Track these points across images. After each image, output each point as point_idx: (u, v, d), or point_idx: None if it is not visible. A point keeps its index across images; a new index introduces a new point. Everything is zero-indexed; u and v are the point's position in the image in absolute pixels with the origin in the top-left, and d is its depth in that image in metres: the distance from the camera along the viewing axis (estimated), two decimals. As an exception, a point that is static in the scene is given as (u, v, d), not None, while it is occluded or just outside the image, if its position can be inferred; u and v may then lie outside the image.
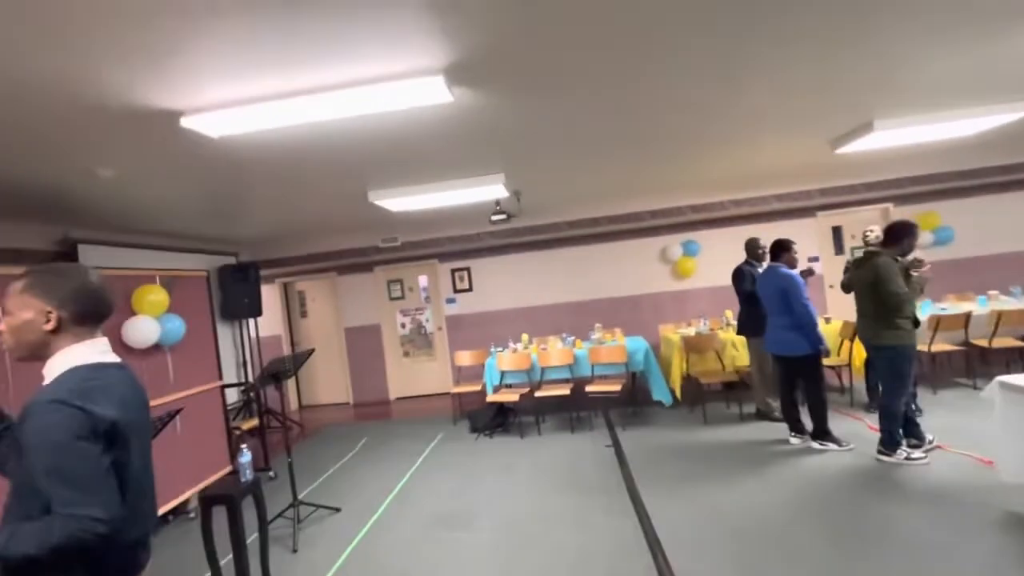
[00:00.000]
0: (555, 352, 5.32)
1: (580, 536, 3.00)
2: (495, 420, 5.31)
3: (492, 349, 5.77)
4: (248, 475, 2.69)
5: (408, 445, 5.19)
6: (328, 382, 7.72)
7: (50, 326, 1.21)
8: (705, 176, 5.48)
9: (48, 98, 2.03)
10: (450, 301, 7.51)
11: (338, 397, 7.77)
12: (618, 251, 7.06)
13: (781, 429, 4.18)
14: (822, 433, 3.82)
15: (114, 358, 1.31)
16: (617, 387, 4.92)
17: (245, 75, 2.02)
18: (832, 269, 6.79)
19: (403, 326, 7.72)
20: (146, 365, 3.70)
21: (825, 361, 4.08)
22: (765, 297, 4.09)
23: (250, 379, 6.10)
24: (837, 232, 7.03)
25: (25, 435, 1.13)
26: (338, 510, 3.73)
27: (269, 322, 7.32)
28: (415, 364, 7.69)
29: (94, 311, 1.28)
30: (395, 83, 2.14)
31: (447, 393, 7.45)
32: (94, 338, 1.29)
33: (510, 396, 5.16)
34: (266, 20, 1.65)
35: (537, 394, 5.16)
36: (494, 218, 5.15)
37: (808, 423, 3.91)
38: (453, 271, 7.46)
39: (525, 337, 5.97)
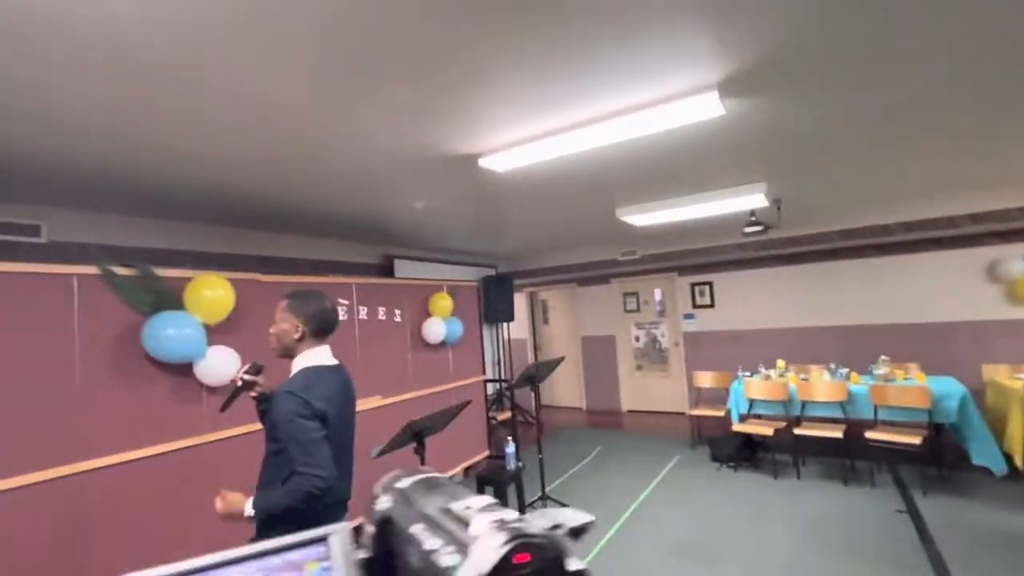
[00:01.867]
0: (821, 385, 4.54)
1: (865, 616, 2.48)
2: (741, 452, 4.82)
3: (739, 373, 5.27)
4: (512, 464, 3.07)
5: (643, 461, 5.13)
6: (565, 386, 8.20)
7: (297, 335, 1.71)
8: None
9: (384, 148, 2.64)
10: (688, 316, 7.15)
11: (573, 402, 8.20)
12: (916, 265, 5.62)
13: None
14: None
15: (333, 361, 1.79)
16: (916, 439, 3.91)
17: (530, 118, 2.32)
18: None
19: (637, 339, 7.69)
20: (435, 358, 4.57)
21: None
22: None
23: (503, 376, 6.93)
24: None
25: (273, 413, 1.60)
26: (579, 512, 3.92)
27: (517, 327, 8.20)
28: (648, 378, 7.57)
29: (325, 327, 1.77)
30: (668, 105, 2.16)
31: (681, 413, 7.13)
32: (321, 346, 1.76)
33: (762, 429, 4.61)
34: (545, 66, 1.87)
35: (797, 431, 4.48)
36: (747, 230, 4.70)
37: None
38: (693, 285, 7.09)
39: (781, 363, 5.25)
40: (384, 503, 0.65)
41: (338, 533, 0.58)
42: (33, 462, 2.19)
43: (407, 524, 0.60)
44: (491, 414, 6.12)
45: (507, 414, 6.14)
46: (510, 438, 3.17)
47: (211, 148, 2.44)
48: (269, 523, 1.54)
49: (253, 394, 1.85)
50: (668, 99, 2.15)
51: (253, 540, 1.55)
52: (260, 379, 1.83)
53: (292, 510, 1.50)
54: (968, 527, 3.28)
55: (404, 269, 5.55)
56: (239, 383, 1.81)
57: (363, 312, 3.90)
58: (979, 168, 3.94)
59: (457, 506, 0.59)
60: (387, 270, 5.50)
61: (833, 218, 5.45)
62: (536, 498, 3.87)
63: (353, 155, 2.69)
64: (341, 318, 3.69)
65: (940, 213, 4.99)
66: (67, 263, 2.47)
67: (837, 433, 4.29)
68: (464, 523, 0.56)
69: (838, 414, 4.43)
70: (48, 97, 1.84)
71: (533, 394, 3.90)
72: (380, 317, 4.06)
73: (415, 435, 2.42)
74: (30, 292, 2.21)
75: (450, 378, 4.72)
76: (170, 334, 2.52)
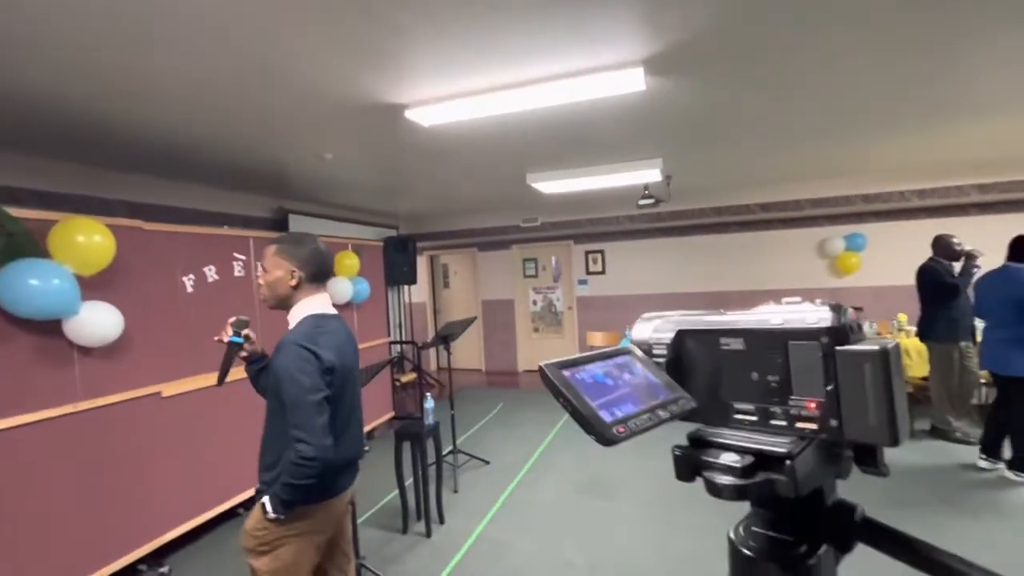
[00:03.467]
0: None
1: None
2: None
3: (627, 332, 5.83)
4: (430, 419, 3.14)
5: (542, 415, 5.52)
6: (465, 349, 8.35)
7: (293, 282, 1.55)
8: (883, 163, 4.92)
9: (293, 86, 2.38)
10: (582, 282, 7.67)
11: (472, 363, 8.42)
12: (768, 241, 6.62)
13: (962, 452, 3.73)
14: (1022, 463, 3.34)
15: (333, 310, 1.64)
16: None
17: (468, 72, 2.31)
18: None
19: (535, 303, 8.07)
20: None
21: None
22: (987, 302, 3.53)
23: (402, 339, 6.87)
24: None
25: (276, 366, 1.47)
26: (487, 463, 4.15)
27: (417, 291, 8.11)
28: (544, 340, 8.03)
29: (323, 271, 1.62)
30: (597, 75, 2.29)
31: (573, 371, 7.72)
32: (321, 293, 1.61)
33: (645, 380, 5.20)
34: (478, 22, 1.88)
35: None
36: (641, 203, 5.15)
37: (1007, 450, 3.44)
38: (587, 253, 7.58)
39: (662, 323, 5.92)
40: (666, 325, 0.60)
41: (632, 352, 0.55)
42: None
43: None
44: (395, 376, 6.08)
45: (410, 376, 6.14)
46: (429, 395, 3.22)
47: (81, 60, 2.06)
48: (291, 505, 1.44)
49: (243, 354, 1.67)
50: (597, 69, 2.28)
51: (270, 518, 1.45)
52: (251, 335, 1.66)
53: (310, 486, 1.40)
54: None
55: (299, 224, 5.17)
56: (225, 343, 1.62)
57: (260, 268, 3.60)
58: (819, 161, 4.74)
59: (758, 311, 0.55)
60: (280, 224, 5.09)
61: (709, 195, 6.19)
62: (448, 451, 4.00)
63: (269, 92, 2.45)
64: (237, 275, 3.41)
65: (789, 196, 5.92)
66: None
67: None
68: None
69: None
70: None
71: (447, 354, 3.97)
72: (281, 275, 3.78)
73: (339, 392, 2.37)
74: None
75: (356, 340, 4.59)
76: (33, 285, 2.13)
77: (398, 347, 6.58)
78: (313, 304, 1.58)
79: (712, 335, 0.57)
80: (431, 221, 7.53)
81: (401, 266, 6.56)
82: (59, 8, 1.64)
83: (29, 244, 2.22)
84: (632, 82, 2.35)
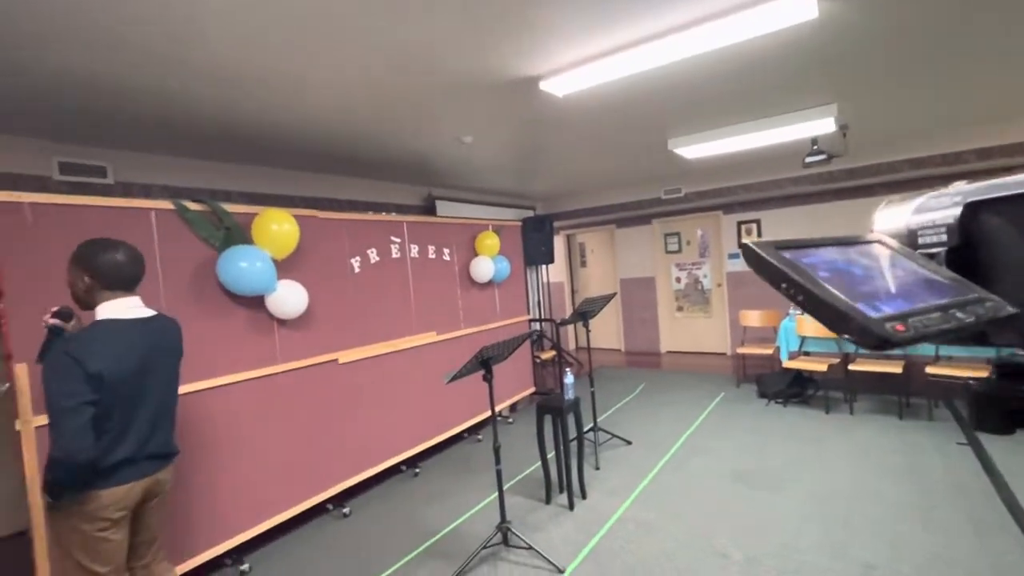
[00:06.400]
0: (880, 321, 4.41)
1: (932, 536, 2.50)
2: (791, 388, 4.81)
3: (790, 311, 5.16)
4: (571, 394, 3.13)
5: (688, 397, 5.19)
6: (602, 328, 8.22)
7: (83, 288, 1.64)
8: None
9: (432, 70, 2.49)
10: (734, 256, 6.97)
11: (610, 343, 8.25)
12: (987, 197, 5.26)
13: None
14: None
15: (141, 313, 1.71)
16: (983, 372, 3.79)
17: (602, 30, 2.18)
18: None
19: (678, 280, 7.58)
20: (483, 297, 4.62)
21: None
22: None
23: (541, 318, 6.99)
24: None
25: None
26: (629, 443, 4.03)
27: (554, 271, 8.17)
28: (689, 319, 7.52)
29: (118, 279, 1.67)
30: (752, 10, 1.99)
31: (722, 353, 7.12)
32: (121, 299, 1.67)
33: (815, 365, 4.55)
34: None
35: (851, 367, 4.42)
36: (809, 159, 4.45)
37: None
38: (740, 223, 6.86)
39: (835, 300, 5.10)
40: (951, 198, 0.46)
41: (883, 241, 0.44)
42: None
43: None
44: (535, 353, 6.23)
45: (550, 353, 6.24)
46: (568, 370, 3.22)
47: (263, 88, 2.40)
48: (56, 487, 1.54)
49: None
50: (756, 1, 1.97)
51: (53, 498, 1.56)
52: (68, 325, 1.69)
53: (74, 475, 1.50)
54: (1036, 459, 3.22)
55: (445, 209, 5.52)
56: (45, 327, 1.68)
57: (414, 250, 3.92)
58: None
59: None
60: (429, 211, 5.49)
61: (898, 147, 5.10)
62: (589, 428, 3.97)
63: (411, 79, 2.60)
64: (394, 256, 3.75)
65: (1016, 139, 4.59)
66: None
67: (896, 368, 4.20)
68: None
69: (896, 351, 4.32)
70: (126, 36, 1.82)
71: (586, 332, 3.93)
72: (430, 256, 4.08)
73: (483, 362, 2.48)
74: (115, 226, 2.27)
75: (497, 317, 4.79)
76: (242, 267, 2.59)
77: (537, 325, 6.71)
78: (110, 309, 1.65)
79: None
80: (567, 200, 7.47)
81: (539, 246, 6.64)
82: (246, 47, 1.93)
83: (240, 234, 2.70)
84: (801, 10, 1.99)
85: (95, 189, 3.13)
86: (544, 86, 2.62)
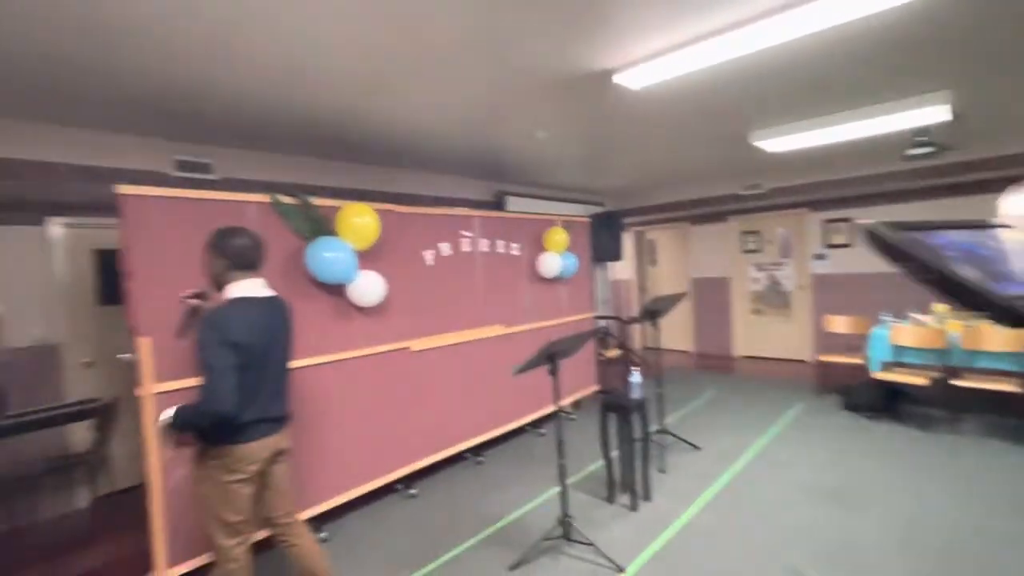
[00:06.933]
0: (992, 333, 3.93)
1: (1050, 578, 2.22)
2: (882, 402, 4.42)
3: (882, 317, 4.73)
4: (637, 393, 3.07)
5: (763, 405, 4.91)
6: (672, 328, 7.97)
7: (218, 270, 1.88)
8: None
9: (509, 64, 2.51)
10: (819, 257, 6.49)
11: (680, 344, 7.98)
12: None
13: None
14: None
15: (263, 293, 1.92)
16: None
17: (680, 19, 2.11)
18: None
19: (756, 281, 7.17)
20: (549, 292, 4.63)
21: None
22: None
23: (607, 315, 6.89)
24: None
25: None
26: (698, 448, 3.89)
27: (621, 267, 8.01)
28: (767, 323, 7.10)
29: (246, 261, 1.89)
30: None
31: (801, 360, 6.67)
32: (247, 280, 1.89)
33: (913, 378, 4.15)
34: None
35: (955, 382, 3.99)
36: (912, 152, 4.04)
37: None
38: (827, 222, 6.37)
39: (940, 307, 4.62)
40: None
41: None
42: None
43: None
44: (599, 351, 6.16)
45: (614, 352, 6.14)
46: (635, 369, 3.16)
47: (349, 88, 2.55)
48: (185, 429, 1.81)
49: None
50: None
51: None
52: (205, 304, 1.97)
53: (203, 426, 1.77)
54: None
55: (514, 205, 5.58)
56: (184, 305, 1.99)
57: (484, 245, 4.01)
58: None
59: None
60: (499, 206, 5.57)
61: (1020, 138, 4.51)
62: (656, 430, 3.87)
63: (489, 73, 2.64)
64: (464, 250, 3.85)
65: None
66: (242, 193, 2.78)
67: (1010, 387, 3.74)
68: None
69: (1010, 366, 3.84)
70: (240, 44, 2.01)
71: (655, 331, 3.83)
72: (499, 250, 4.15)
73: (550, 356, 2.49)
74: (218, 217, 2.51)
75: (563, 313, 4.78)
76: (327, 257, 2.78)
77: (603, 322, 6.63)
78: (238, 288, 1.87)
79: None
80: (638, 195, 7.29)
81: (607, 242, 6.54)
82: (368, 58, 2.06)
83: (326, 226, 2.89)
84: (909, -12, 1.82)
85: (202, 184, 3.48)
86: (618, 79, 2.58)
